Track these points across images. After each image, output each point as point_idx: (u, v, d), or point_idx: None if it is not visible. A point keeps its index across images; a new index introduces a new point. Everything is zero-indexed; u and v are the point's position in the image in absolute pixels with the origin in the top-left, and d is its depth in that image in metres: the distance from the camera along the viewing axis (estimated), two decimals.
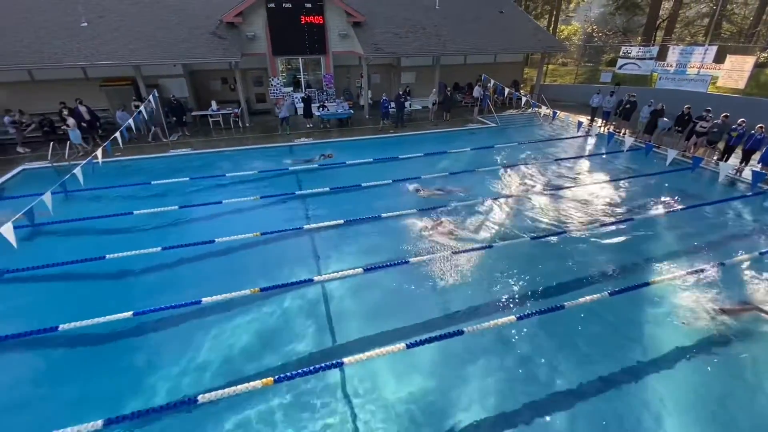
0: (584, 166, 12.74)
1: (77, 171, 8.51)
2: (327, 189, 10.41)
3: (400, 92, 16.68)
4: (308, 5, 16.64)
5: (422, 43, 17.71)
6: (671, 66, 18.63)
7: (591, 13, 40.31)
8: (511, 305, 6.43)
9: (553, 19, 37.60)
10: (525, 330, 5.87)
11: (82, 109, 13.79)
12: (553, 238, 8.27)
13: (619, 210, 9.56)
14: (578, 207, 9.69)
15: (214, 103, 16.30)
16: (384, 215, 8.93)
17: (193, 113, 16.64)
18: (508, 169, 12.04)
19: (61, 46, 13.76)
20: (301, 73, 18.65)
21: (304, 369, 4.79)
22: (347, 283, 6.86)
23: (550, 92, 21.60)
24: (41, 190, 7.90)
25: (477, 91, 18.63)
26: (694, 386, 5.13)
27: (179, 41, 15.05)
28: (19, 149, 13.20)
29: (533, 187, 10.93)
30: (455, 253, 7.59)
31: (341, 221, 8.65)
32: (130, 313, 5.75)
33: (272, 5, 16.24)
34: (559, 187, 10.84)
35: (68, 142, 12.52)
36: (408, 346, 5.19)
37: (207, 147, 14.02)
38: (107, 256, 7.15)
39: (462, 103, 20.17)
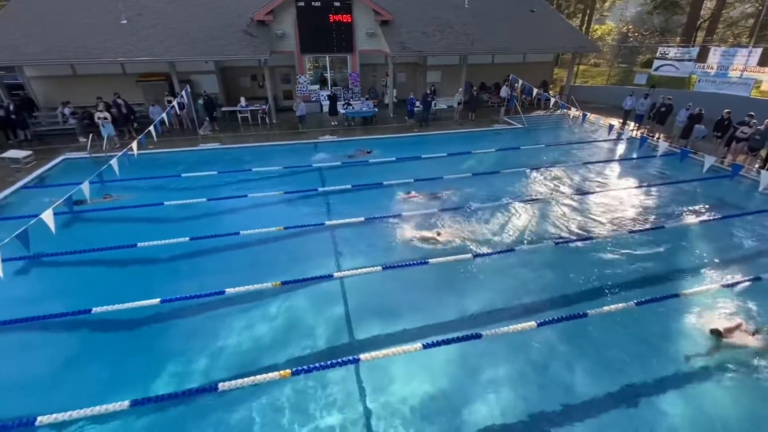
0: (614, 170, 12.32)
1: (113, 162, 8.92)
2: (349, 186, 10.49)
3: (428, 91, 16.59)
4: (337, 4, 16.78)
5: (449, 42, 17.55)
6: (712, 68, 17.73)
7: (627, 13, 38.83)
8: (532, 311, 6.31)
9: (586, 18, 36.45)
10: (545, 336, 5.75)
11: (120, 102, 14.42)
12: (579, 244, 8.05)
13: (649, 217, 9.21)
14: (606, 212, 9.39)
15: (242, 100, 16.69)
16: (405, 214, 8.94)
17: (223, 109, 17.09)
18: (534, 172, 11.79)
19: (102, 43, 14.42)
20: (328, 71, 18.83)
21: (321, 363, 4.86)
22: (366, 280, 6.89)
23: (580, 93, 20.97)
24: (80, 179, 8.31)
25: (504, 91, 18.30)
26: (721, 404, 4.90)
27: (212, 38, 15.48)
28: (82, 138, 13.73)
29: (559, 190, 10.66)
30: (476, 256, 7.50)
31: (362, 218, 8.71)
32: (158, 300, 5.99)
33: (302, 3, 16.46)
34: (587, 192, 10.55)
35: (106, 135, 13.11)
36: (425, 347, 5.18)
37: (235, 142, 14.39)
38: (138, 244, 7.47)
39: (488, 103, 19.88)
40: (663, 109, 14.27)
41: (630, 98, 15.71)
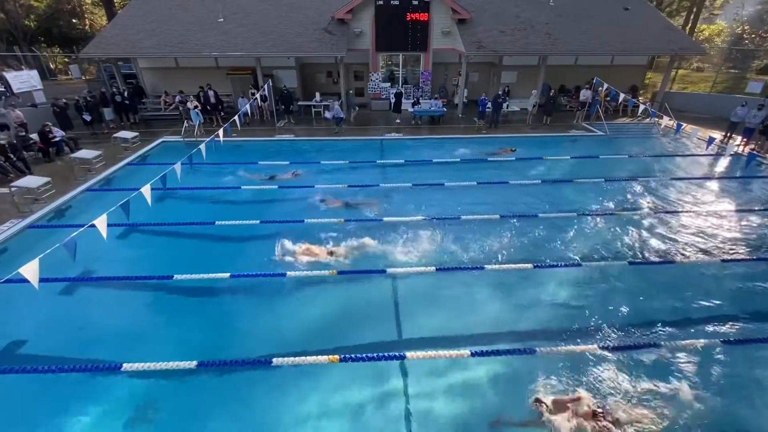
0: (710, 189, 10.89)
1: (202, 147, 9.89)
2: (410, 185, 10.55)
3: (500, 92, 16.03)
4: (415, 2, 16.84)
5: (529, 41, 16.74)
6: None
7: (743, 11, 33.88)
8: (595, 332, 5.85)
9: (692, 17, 32.47)
10: (607, 362, 5.29)
11: (211, 93, 15.93)
12: (658, 267, 7.30)
13: (750, 245, 8.02)
14: (695, 235, 8.35)
15: (318, 95, 17.49)
16: (464, 217, 8.77)
17: (299, 103, 18.07)
18: (613, 183, 10.85)
19: (201, 39, 16.02)
20: (399, 69, 18.99)
21: (368, 354, 5.01)
22: (418, 279, 6.92)
23: (676, 101, 18.80)
24: (174, 160, 9.35)
25: (583, 94, 17.01)
26: None
27: (295, 36, 16.43)
28: (187, 122, 14.91)
29: (640, 205, 9.72)
30: (537, 266, 7.13)
31: (421, 217, 8.73)
32: (228, 274, 6.60)
33: (381, 2, 16.77)
34: (674, 211, 9.47)
35: (198, 121, 14.55)
36: (472, 354, 5.09)
37: (308, 135, 15.17)
38: (216, 222, 8.26)
39: (567, 107, 18.65)
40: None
41: (741, 109, 13.75)
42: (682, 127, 12.82)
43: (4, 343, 5.58)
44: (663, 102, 17.75)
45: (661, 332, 5.81)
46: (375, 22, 17.20)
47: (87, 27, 31.47)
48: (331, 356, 4.97)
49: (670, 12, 34.21)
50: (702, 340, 5.45)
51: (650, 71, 23.18)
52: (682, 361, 5.27)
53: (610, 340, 5.61)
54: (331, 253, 7.39)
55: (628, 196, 10.27)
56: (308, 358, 4.98)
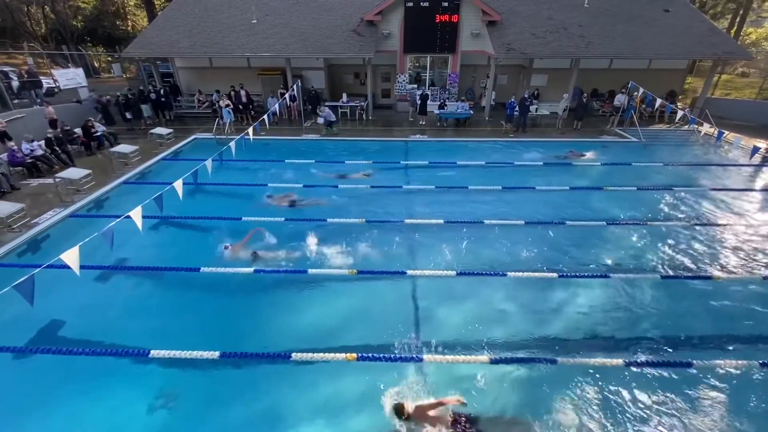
0: (752, 200, 10.27)
1: (232, 144, 10.20)
2: (432, 187, 10.51)
3: (526, 95, 15.73)
4: (445, 4, 16.74)
5: (561, 44, 16.34)
6: None
7: None
8: (621, 346, 5.64)
9: (737, 19, 30.78)
10: (632, 378, 5.08)
11: (242, 93, 16.39)
12: (693, 282, 6.95)
13: None
14: (735, 250, 7.91)
15: (345, 96, 17.69)
16: (486, 222, 8.65)
17: (326, 104, 18.29)
18: (646, 192, 10.43)
19: (235, 40, 16.51)
20: (427, 71, 18.93)
21: (385, 355, 5.02)
22: (439, 283, 6.88)
23: (718, 108, 17.85)
24: (205, 156, 9.68)
25: (618, 99, 16.42)
26: None
27: (324, 37, 16.67)
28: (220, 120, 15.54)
29: (675, 216, 9.29)
30: (562, 276, 6.94)
31: (441, 221, 8.67)
32: (252, 269, 6.77)
33: (410, 4, 16.78)
34: (712, 223, 9.00)
35: (229, 119, 15.00)
36: (492, 361, 5.02)
37: (332, 135, 15.33)
38: (243, 218, 8.48)
39: (599, 112, 18.07)
40: None
41: None
42: (724, 135, 12.19)
43: (43, 324, 5.95)
44: (704, 108, 16.92)
45: (691, 350, 5.55)
46: (404, 24, 17.22)
47: (129, 28, 33.04)
48: (348, 354, 5.01)
49: (714, 14, 32.56)
50: (740, 361, 5.15)
51: (690, 76, 22.16)
52: (712, 381, 5.01)
53: (634, 355, 5.39)
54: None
55: (662, 206, 9.85)
56: (326, 354, 5.04)
